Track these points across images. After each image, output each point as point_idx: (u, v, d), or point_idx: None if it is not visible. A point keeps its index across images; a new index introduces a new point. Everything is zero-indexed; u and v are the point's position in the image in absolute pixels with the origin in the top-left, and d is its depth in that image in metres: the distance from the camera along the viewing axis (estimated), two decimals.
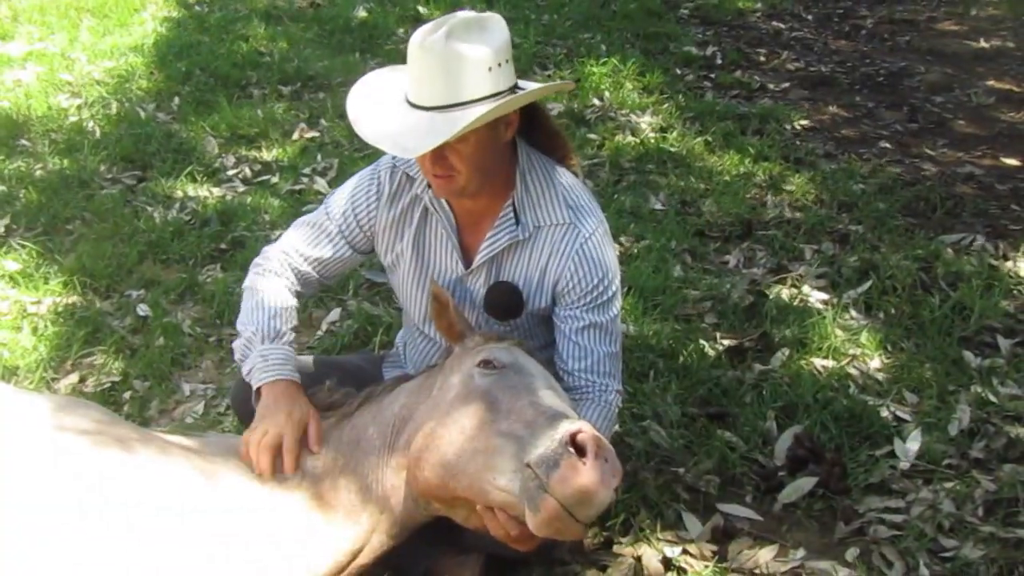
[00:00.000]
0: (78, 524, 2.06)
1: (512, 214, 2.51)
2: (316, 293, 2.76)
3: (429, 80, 2.25)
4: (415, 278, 2.66)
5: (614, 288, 2.57)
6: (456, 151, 2.28)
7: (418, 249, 2.61)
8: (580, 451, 1.98)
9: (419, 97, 2.28)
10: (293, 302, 2.62)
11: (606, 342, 2.57)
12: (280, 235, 4.44)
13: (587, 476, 1.94)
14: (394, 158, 2.58)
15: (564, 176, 2.58)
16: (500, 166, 2.47)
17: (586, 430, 2.02)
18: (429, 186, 2.52)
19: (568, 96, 6.30)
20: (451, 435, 2.22)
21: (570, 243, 2.50)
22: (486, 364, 2.33)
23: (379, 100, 2.40)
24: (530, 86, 2.38)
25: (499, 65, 2.26)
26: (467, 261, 2.59)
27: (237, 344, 2.58)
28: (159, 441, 2.41)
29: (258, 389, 2.49)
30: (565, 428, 2.04)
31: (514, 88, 2.32)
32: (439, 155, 2.28)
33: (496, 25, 2.29)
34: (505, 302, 2.57)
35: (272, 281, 2.62)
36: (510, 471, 2.07)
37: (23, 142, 5.48)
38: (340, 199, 2.64)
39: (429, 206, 2.56)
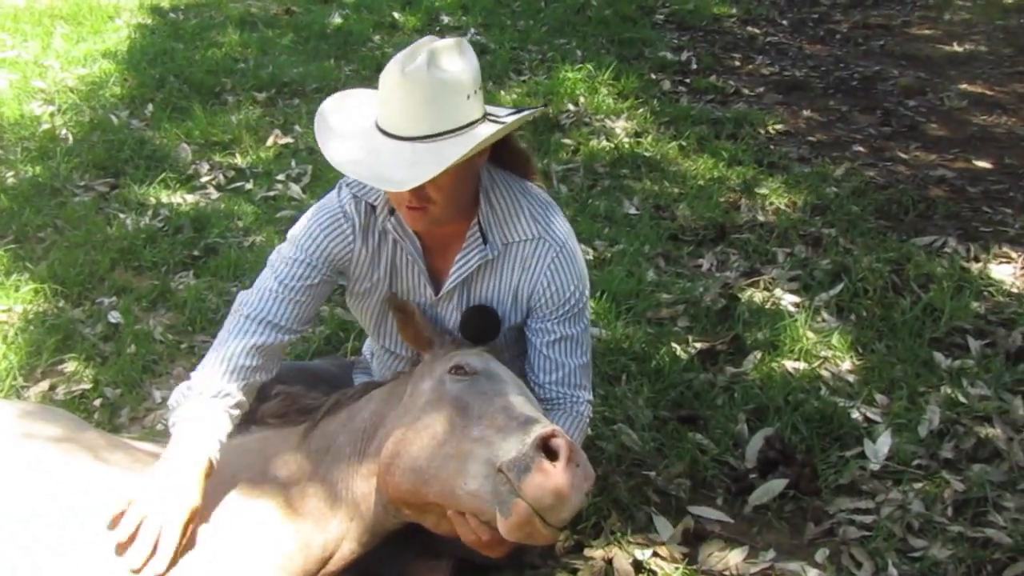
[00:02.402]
0: (56, 533, 2.05)
1: (479, 234, 2.47)
2: (304, 330, 2.59)
3: (410, 109, 2.19)
4: (386, 305, 2.62)
5: (585, 299, 2.56)
6: (434, 182, 2.18)
7: (391, 277, 2.57)
8: (552, 455, 1.99)
9: (397, 127, 2.21)
10: (253, 361, 2.40)
11: (577, 354, 2.57)
12: (253, 241, 4.50)
13: (558, 480, 1.95)
14: (349, 186, 2.50)
15: (527, 188, 2.54)
16: (471, 191, 2.45)
17: (558, 434, 2.03)
18: (391, 213, 2.47)
19: (543, 101, 6.32)
20: (422, 440, 2.21)
21: (541, 257, 2.48)
22: (458, 370, 2.32)
23: (347, 130, 2.32)
24: (497, 111, 2.36)
25: (475, 92, 2.24)
26: (436, 286, 2.56)
27: (178, 389, 2.36)
28: (127, 448, 2.40)
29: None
30: (537, 432, 2.04)
31: (486, 115, 2.30)
32: (418, 188, 2.21)
33: (469, 52, 2.26)
34: (482, 327, 2.55)
35: (243, 335, 2.43)
36: (481, 476, 2.07)
37: None
38: (309, 238, 2.49)
39: (393, 233, 2.49)
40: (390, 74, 2.21)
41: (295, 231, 2.54)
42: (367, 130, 2.29)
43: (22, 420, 2.34)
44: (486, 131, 2.24)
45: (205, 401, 2.31)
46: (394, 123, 2.22)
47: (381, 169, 2.20)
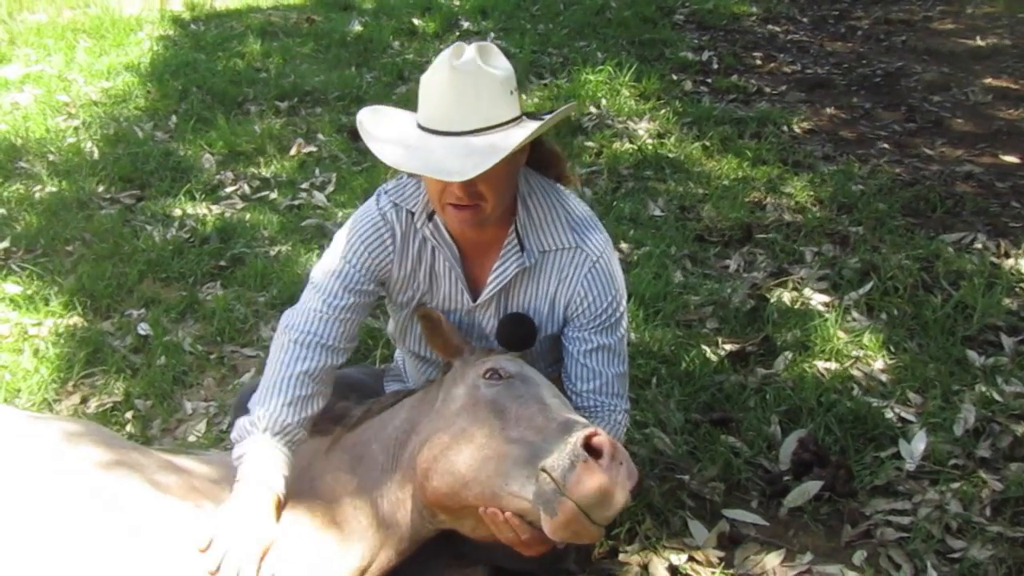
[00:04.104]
0: (90, 548, 2.05)
1: (516, 241, 2.47)
2: (351, 347, 2.56)
3: (462, 103, 2.21)
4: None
5: (622, 308, 2.55)
6: (486, 178, 2.19)
7: (431, 285, 2.56)
8: (595, 454, 2.00)
9: (448, 122, 2.22)
10: (309, 390, 2.41)
11: (615, 363, 2.55)
12: (279, 250, 4.51)
13: (604, 477, 1.96)
14: (387, 194, 2.51)
15: (565, 195, 2.54)
16: (514, 191, 2.45)
17: (600, 433, 2.03)
18: (429, 219, 2.47)
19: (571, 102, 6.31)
20: (459, 444, 2.21)
21: (578, 267, 2.48)
22: (492, 374, 2.32)
23: (391, 133, 2.33)
24: (529, 111, 2.39)
25: (515, 89, 2.29)
26: (474, 293, 2.55)
27: (240, 422, 2.38)
28: (165, 463, 2.39)
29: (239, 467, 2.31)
30: (579, 431, 2.05)
31: (523, 112, 2.34)
32: (469, 184, 2.22)
33: (501, 53, 2.31)
34: (519, 334, 2.53)
35: (294, 362, 2.42)
36: (523, 476, 2.07)
37: (21, 164, 5.48)
38: (351, 249, 2.49)
39: (431, 239, 2.49)
40: (438, 71, 2.23)
41: (336, 243, 2.54)
42: (410, 132, 2.30)
43: (62, 436, 2.33)
44: (533, 124, 2.27)
45: (267, 439, 2.33)
46: (444, 119, 2.23)
47: (437, 162, 2.20)
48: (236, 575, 2.12)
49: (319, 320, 2.46)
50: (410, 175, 2.49)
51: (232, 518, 2.19)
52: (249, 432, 2.35)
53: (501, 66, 2.26)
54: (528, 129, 2.25)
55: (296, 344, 2.44)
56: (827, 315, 4.00)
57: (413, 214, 2.49)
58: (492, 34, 7.75)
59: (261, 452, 2.30)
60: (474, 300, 2.54)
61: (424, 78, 2.27)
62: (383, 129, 2.35)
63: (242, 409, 2.81)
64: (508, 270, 2.48)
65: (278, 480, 2.28)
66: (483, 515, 2.15)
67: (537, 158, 2.51)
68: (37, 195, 5.12)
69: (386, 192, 2.52)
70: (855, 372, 3.68)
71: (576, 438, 2.03)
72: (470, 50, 2.23)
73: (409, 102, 2.43)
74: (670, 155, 5.67)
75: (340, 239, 2.54)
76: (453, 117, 2.22)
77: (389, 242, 2.49)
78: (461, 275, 2.51)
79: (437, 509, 2.29)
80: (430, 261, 2.52)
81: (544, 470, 2.02)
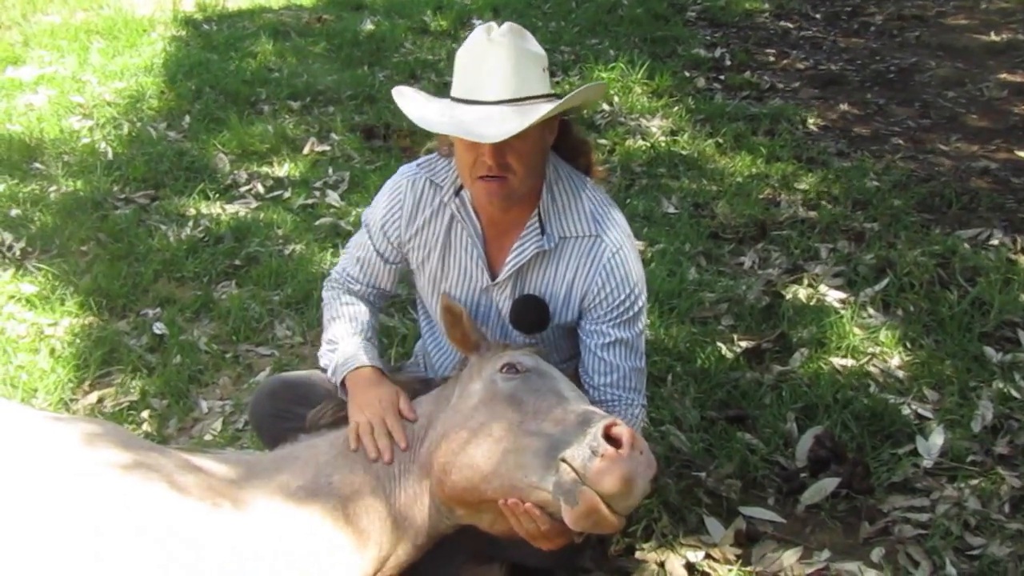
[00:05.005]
0: (109, 550, 2.06)
1: (538, 224, 2.49)
2: (382, 304, 2.93)
3: (498, 73, 2.28)
4: (436, 286, 2.65)
5: (640, 303, 2.55)
6: (516, 149, 2.29)
7: (443, 257, 2.60)
8: (615, 444, 2.01)
9: (484, 92, 2.29)
10: (365, 309, 2.75)
11: (632, 357, 2.56)
12: (293, 249, 4.52)
13: (625, 466, 1.98)
14: (419, 165, 2.59)
15: (591, 188, 2.56)
16: (541, 172, 2.48)
17: (621, 423, 2.05)
18: (456, 194, 2.52)
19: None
20: (478, 438, 2.22)
21: (596, 257, 2.49)
22: (509, 368, 2.34)
23: (425, 105, 2.44)
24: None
25: (547, 67, 2.37)
26: (492, 272, 2.57)
27: (321, 351, 2.70)
28: (184, 462, 2.39)
29: (343, 383, 2.58)
30: (600, 422, 2.06)
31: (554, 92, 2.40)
32: (500, 153, 2.29)
33: (530, 34, 2.38)
34: (532, 316, 2.56)
35: (342, 297, 2.77)
36: (542, 468, 2.09)
37: (37, 165, 5.50)
38: (374, 215, 2.66)
39: (456, 214, 2.54)
40: (475, 43, 2.32)
41: (366, 210, 2.75)
42: (444, 104, 2.39)
43: (79, 436, 2.34)
44: (564, 98, 2.34)
45: (349, 342, 2.65)
46: (481, 88, 2.30)
47: (470, 125, 2.27)
48: (389, 431, 2.43)
49: (340, 282, 2.80)
50: (440, 155, 2.58)
51: (354, 403, 2.50)
52: (332, 352, 2.66)
53: (533, 44, 2.34)
54: (558, 101, 2.31)
55: (332, 292, 2.80)
56: (843, 312, 3.98)
57: (438, 186, 2.56)
58: None
59: (347, 353, 2.61)
60: (492, 279, 2.56)
61: (459, 53, 2.35)
62: (417, 104, 2.45)
63: (258, 408, 2.84)
64: (527, 250, 2.50)
65: (370, 360, 2.59)
66: (503, 507, 2.16)
67: (567, 146, 2.56)
68: (52, 195, 5.13)
69: (418, 165, 2.62)
70: (871, 369, 3.66)
71: (596, 428, 2.04)
72: (504, 28, 2.31)
73: None
74: (683, 152, 5.66)
75: (372, 205, 2.71)
76: (488, 87, 2.29)
77: (398, 211, 2.61)
78: (482, 253, 2.55)
79: (455, 504, 2.30)
80: (444, 234, 2.58)
81: (564, 460, 2.04)
